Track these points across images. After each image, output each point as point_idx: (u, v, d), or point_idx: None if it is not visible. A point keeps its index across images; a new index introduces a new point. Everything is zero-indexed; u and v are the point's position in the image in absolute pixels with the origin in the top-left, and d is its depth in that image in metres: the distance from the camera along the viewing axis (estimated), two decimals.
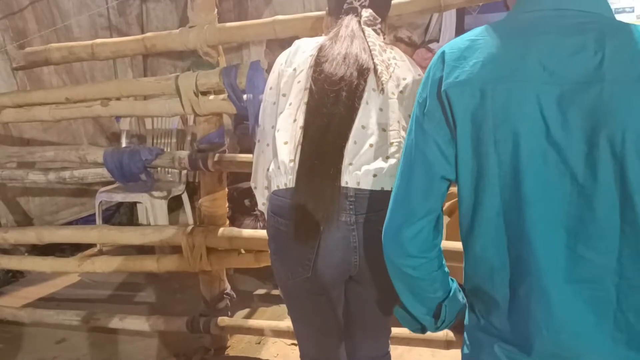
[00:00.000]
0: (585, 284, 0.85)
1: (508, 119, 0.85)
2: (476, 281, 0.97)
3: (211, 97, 2.22)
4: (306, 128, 1.34)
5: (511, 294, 0.90)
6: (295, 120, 1.37)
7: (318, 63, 1.37)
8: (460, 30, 4.59)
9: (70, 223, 3.81)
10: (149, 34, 2.30)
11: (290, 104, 1.40)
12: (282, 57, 1.48)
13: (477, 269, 0.95)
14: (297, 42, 1.50)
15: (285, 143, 1.37)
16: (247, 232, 2.32)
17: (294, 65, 1.43)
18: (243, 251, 2.33)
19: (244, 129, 3.63)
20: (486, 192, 0.89)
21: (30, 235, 2.63)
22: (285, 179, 1.35)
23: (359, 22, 1.44)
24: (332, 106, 1.32)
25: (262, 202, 1.55)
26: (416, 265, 0.97)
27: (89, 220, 3.85)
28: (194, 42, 2.17)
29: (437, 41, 5.52)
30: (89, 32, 3.90)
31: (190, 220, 3.58)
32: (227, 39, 2.25)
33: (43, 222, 3.63)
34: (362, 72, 1.35)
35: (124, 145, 3.69)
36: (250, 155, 1.82)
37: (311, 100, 1.35)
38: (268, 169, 1.42)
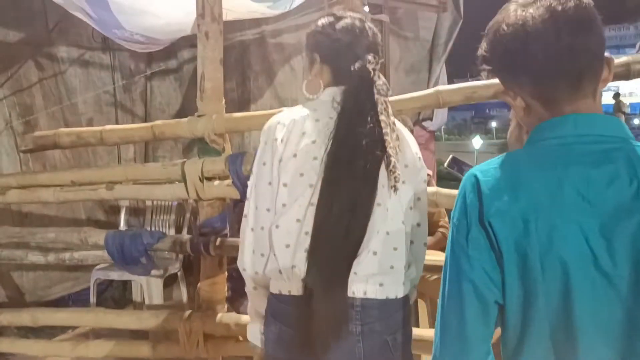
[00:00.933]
0: None
1: (554, 249, 0.87)
2: None
3: (216, 182, 2.26)
4: (316, 236, 1.27)
5: None
6: (298, 221, 1.29)
7: (331, 165, 1.28)
8: (451, 109, 4.74)
9: (63, 298, 3.75)
10: (157, 122, 2.37)
11: (295, 201, 1.30)
12: (278, 132, 1.34)
13: None
14: (295, 118, 1.35)
15: (288, 246, 1.30)
16: (246, 318, 2.29)
17: (294, 150, 1.31)
18: (241, 338, 2.30)
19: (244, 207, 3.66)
20: (534, 317, 0.90)
21: (24, 317, 2.59)
22: (289, 286, 1.32)
23: (374, 93, 1.31)
24: (348, 215, 1.26)
25: (252, 286, 1.43)
26: None
27: (82, 294, 3.79)
28: (202, 130, 2.24)
29: (431, 119, 5.72)
30: (93, 108, 3.99)
31: (185, 297, 3.54)
32: (234, 128, 2.32)
33: (35, 296, 3.56)
34: (376, 165, 1.28)
35: (122, 220, 3.70)
36: None
37: (323, 204, 1.27)
38: (263, 255, 1.35)
